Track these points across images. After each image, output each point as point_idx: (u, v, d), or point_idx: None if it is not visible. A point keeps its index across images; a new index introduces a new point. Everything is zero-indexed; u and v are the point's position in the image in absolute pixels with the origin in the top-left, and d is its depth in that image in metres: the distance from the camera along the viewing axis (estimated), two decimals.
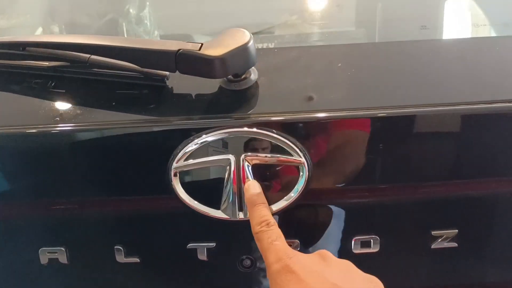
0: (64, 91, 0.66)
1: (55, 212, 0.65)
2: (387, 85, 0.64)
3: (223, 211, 0.60)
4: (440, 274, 0.68)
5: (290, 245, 0.64)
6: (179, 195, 0.60)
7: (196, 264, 0.66)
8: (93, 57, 0.65)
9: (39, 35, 0.67)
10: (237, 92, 0.63)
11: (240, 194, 0.59)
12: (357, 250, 0.65)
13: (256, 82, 0.64)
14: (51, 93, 0.66)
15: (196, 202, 0.60)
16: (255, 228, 0.55)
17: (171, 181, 0.60)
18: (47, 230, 0.67)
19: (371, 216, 0.65)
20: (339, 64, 0.68)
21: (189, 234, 0.65)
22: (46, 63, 0.67)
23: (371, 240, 0.65)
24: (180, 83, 0.65)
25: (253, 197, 0.57)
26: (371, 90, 0.63)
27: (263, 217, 0.55)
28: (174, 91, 0.65)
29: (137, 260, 0.66)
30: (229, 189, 0.59)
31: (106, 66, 0.65)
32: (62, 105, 0.65)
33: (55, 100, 0.65)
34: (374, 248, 0.65)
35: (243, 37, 0.60)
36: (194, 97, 0.63)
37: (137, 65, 0.63)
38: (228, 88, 0.63)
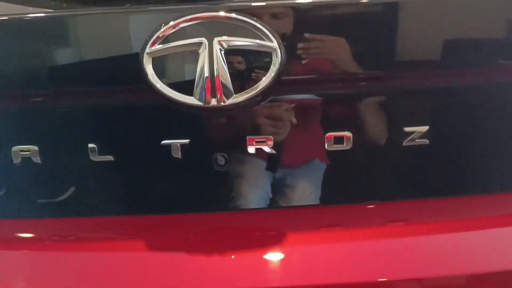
0: None
1: (25, 107, 0.65)
2: None
3: (195, 97, 0.60)
4: (412, 173, 0.69)
5: (263, 142, 0.65)
6: (150, 81, 0.60)
7: (171, 164, 0.66)
8: None
9: None
10: None
11: (213, 79, 0.59)
12: (330, 147, 0.66)
13: None
14: None
15: (167, 87, 0.60)
16: None
17: (144, 66, 0.59)
18: (18, 127, 0.66)
19: (344, 112, 0.66)
20: None
21: (163, 130, 0.65)
22: None
23: (344, 137, 0.65)
24: None
25: None
26: None
27: None
28: None
29: (111, 158, 0.66)
30: (201, 73, 0.59)
31: None
32: None
33: None
34: (347, 146, 0.66)
35: None
36: None
37: None
38: None
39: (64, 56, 0.62)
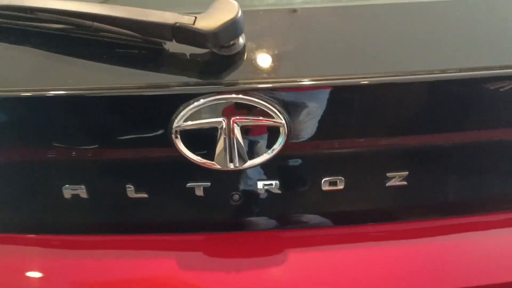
0: (70, 52, 0.75)
1: (80, 159, 0.78)
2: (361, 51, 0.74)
3: (217, 162, 0.73)
4: (394, 208, 0.84)
5: (271, 184, 0.79)
6: (180, 149, 0.72)
7: (194, 199, 0.80)
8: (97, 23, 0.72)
9: (46, 0, 0.72)
10: (227, 58, 0.72)
11: (231, 149, 0.71)
12: (325, 188, 0.80)
13: (243, 47, 0.72)
14: (58, 54, 0.74)
15: (194, 155, 0.73)
16: None
17: (173, 138, 0.71)
18: (70, 172, 0.79)
19: (338, 162, 0.79)
20: (323, 28, 0.76)
21: (188, 177, 0.78)
22: (52, 25, 0.74)
23: (337, 180, 0.79)
24: (176, 46, 0.72)
25: None
26: (346, 57, 0.73)
27: None
28: (171, 54, 0.73)
29: (145, 196, 0.80)
30: (221, 145, 0.71)
31: (110, 31, 0.72)
32: (70, 68, 0.73)
33: (63, 62, 0.74)
34: (339, 186, 0.80)
35: (233, 10, 0.67)
36: (189, 62, 0.72)
37: (137, 34, 0.71)
38: (219, 53, 0.72)
39: (109, 125, 0.74)
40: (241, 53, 0.72)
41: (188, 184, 0.79)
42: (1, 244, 0.87)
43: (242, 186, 0.80)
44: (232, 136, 0.71)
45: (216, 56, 0.72)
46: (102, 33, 0.74)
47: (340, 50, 0.74)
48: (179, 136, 0.71)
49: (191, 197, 0.80)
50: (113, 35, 0.74)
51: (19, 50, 0.75)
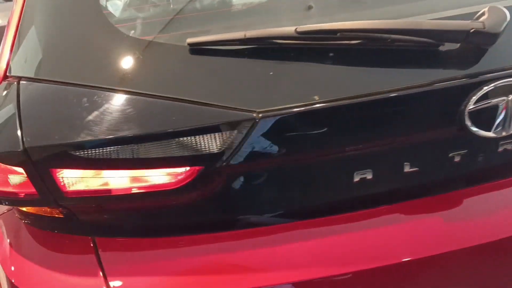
0: (375, 61, 0.92)
1: (372, 151, 0.96)
2: None
3: (493, 132, 0.94)
4: None
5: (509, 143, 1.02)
6: (468, 127, 0.93)
7: (452, 162, 1.01)
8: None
9: (348, 23, 0.88)
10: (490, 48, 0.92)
11: (506, 120, 0.93)
12: None
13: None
14: (363, 60, 0.91)
15: (478, 129, 0.94)
16: None
17: (464, 119, 0.92)
18: (362, 161, 0.98)
19: None
20: None
21: (457, 147, 0.99)
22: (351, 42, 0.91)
23: None
24: (446, 45, 0.91)
25: None
26: None
27: None
28: (447, 53, 0.92)
29: (416, 169, 1.00)
30: (500, 118, 0.93)
31: (404, 40, 0.90)
32: (376, 73, 0.90)
33: (370, 66, 0.91)
34: None
35: (505, 15, 0.88)
36: (461, 57, 0.92)
37: (433, 41, 0.89)
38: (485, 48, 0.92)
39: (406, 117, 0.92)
40: (500, 44, 0.93)
41: (451, 154, 1.00)
42: (286, 232, 1.03)
43: (488, 148, 1.02)
44: (509, 110, 0.92)
45: (481, 50, 0.92)
46: (392, 43, 0.91)
47: None
48: (469, 117, 0.92)
49: (450, 163, 1.01)
50: (393, 43, 0.91)
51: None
